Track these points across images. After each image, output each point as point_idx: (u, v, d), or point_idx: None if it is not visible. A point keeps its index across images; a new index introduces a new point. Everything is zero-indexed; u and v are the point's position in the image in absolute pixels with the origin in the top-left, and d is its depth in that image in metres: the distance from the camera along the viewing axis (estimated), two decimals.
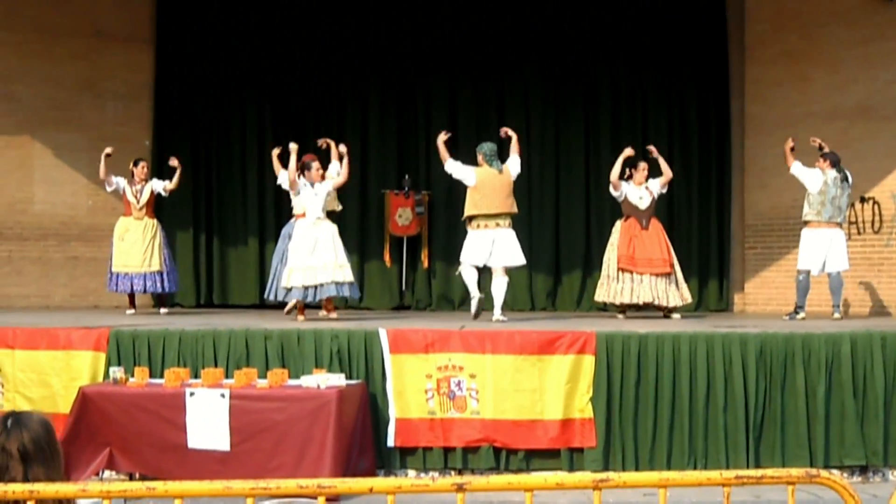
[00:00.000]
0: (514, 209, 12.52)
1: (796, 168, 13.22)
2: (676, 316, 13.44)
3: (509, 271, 12.69)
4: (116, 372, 9.89)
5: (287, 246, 12.77)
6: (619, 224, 13.70)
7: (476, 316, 12.28)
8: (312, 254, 12.19)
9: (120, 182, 14.21)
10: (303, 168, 12.60)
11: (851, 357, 10.08)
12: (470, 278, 12.49)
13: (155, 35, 17.38)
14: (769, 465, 9.89)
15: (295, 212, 13.12)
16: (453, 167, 12.62)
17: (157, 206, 14.41)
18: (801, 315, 13.08)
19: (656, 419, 10.05)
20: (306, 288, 12.20)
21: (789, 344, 10.09)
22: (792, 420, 9.98)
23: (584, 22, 17.08)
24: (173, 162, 14.29)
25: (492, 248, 12.42)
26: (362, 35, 17.32)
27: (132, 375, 9.90)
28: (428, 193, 16.92)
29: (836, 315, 12.92)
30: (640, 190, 13.65)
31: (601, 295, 13.71)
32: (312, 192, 12.43)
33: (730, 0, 16.86)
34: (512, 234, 12.48)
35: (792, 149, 13.22)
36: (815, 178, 13.11)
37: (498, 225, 12.41)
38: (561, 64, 17.10)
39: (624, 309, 13.56)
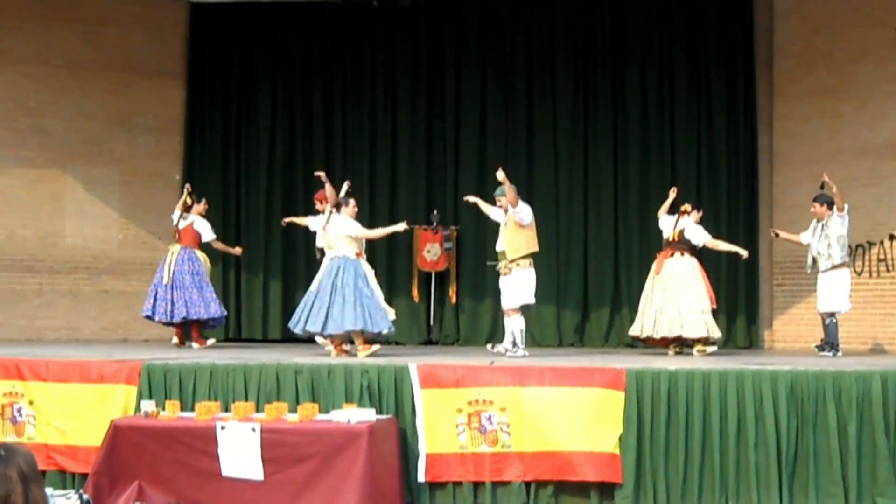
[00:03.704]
0: None
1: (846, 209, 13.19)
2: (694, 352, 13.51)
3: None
4: (148, 405, 9.92)
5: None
6: (697, 265, 13.50)
7: None
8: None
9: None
10: (338, 205, 12.79)
11: (882, 394, 10.02)
12: (524, 326, 12.92)
13: (186, 70, 17.54)
14: None
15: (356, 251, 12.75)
16: (525, 208, 12.78)
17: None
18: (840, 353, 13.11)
19: (687, 456, 10.00)
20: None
21: (820, 381, 10.05)
22: (824, 458, 9.91)
23: (614, 56, 17.12)
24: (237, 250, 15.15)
25: None
26: (391, 70, 17.46)
27: (163, 409, 9.93)
28: (456, 229, 16.95)
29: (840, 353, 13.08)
30: None
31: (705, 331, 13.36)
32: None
33: (759, 35, 16.86)
34: None
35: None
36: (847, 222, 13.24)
37: None
38: (591, 99, 17.13)
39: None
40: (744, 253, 13.71)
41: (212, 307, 14.25)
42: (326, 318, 12.14)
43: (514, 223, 12.70)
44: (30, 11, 16.46)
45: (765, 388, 10.03)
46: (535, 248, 12.88)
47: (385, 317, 12.35)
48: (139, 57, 17.17)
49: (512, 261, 12.68)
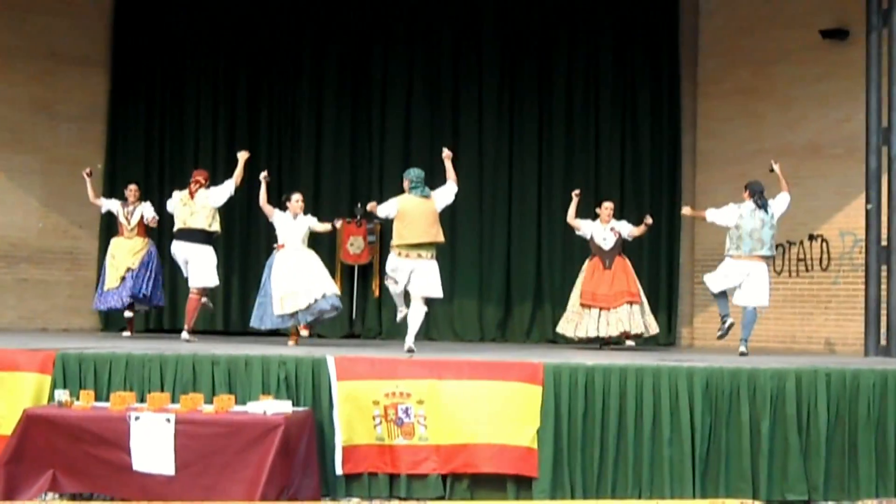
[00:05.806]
0: (439, 238, 12.24)
1: (711, 215, 13.09)
2: (630, 343, 13.68)
3: (428, 302, 12.41)
4: (62, 395, 9.80)
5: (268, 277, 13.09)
6: (586, 263, 14.19)
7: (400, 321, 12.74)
8: (295, 278, 12.82)
9: (111, 204, 14.63)
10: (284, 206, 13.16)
11: (796, 393, 10.15)
12: (394, 289, 12.52)
13: (110, 58, 17.38)
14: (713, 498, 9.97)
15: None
16: (381, 209, 12.45)
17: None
18: (730, 321, 12.92)
19: (603, 450, 10.06)
20: (295, 314, 12.84)
21: (735, 378, 10.16)
22: (736, 454, 10.04)
23: (540, 52, 17.24)
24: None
25: (409, 276, 12.17)
26: (317, 61, 17.44)
27: (77, 398, 9.83)
28: (380, 222, 16.89)
29: (743, 349, 12.61)
30: (604, 230, 13.95)
31: (562, 328, 14.23)
32: (294, 222, 13.11)
33: (684, 35, 17.02)
34: (432, 265, 12.21)
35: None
36: (729, 215, 12.88)
37: (419, 256, 12.11)
38: (516, 95, 17.25)
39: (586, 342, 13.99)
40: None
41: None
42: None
43: (434, 208, 12.31)
44: None
45: (681, 385, 10.12)
46: (405, 241, 12.12)
47: None
48: (63, 44, 16.99)
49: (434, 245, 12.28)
